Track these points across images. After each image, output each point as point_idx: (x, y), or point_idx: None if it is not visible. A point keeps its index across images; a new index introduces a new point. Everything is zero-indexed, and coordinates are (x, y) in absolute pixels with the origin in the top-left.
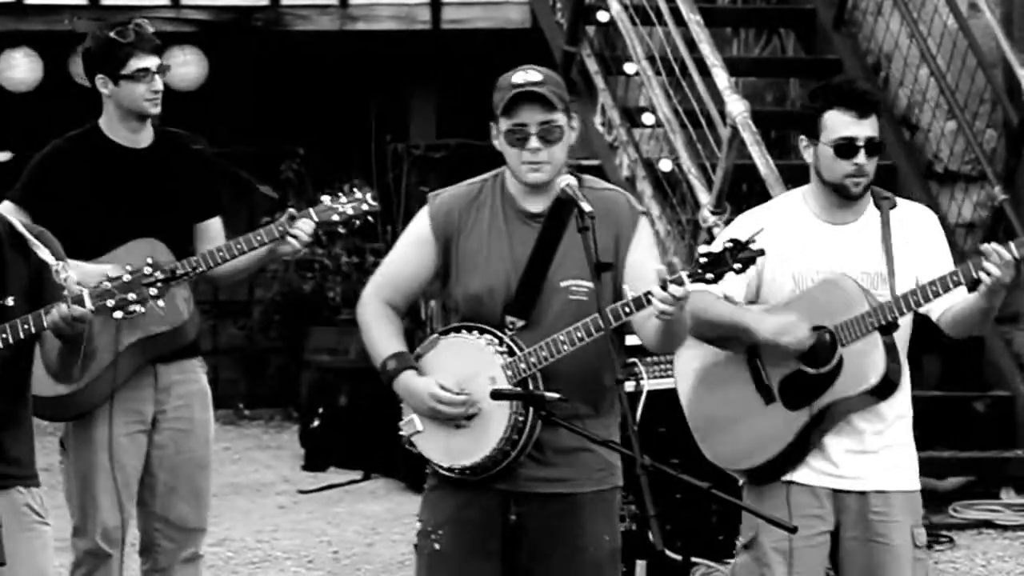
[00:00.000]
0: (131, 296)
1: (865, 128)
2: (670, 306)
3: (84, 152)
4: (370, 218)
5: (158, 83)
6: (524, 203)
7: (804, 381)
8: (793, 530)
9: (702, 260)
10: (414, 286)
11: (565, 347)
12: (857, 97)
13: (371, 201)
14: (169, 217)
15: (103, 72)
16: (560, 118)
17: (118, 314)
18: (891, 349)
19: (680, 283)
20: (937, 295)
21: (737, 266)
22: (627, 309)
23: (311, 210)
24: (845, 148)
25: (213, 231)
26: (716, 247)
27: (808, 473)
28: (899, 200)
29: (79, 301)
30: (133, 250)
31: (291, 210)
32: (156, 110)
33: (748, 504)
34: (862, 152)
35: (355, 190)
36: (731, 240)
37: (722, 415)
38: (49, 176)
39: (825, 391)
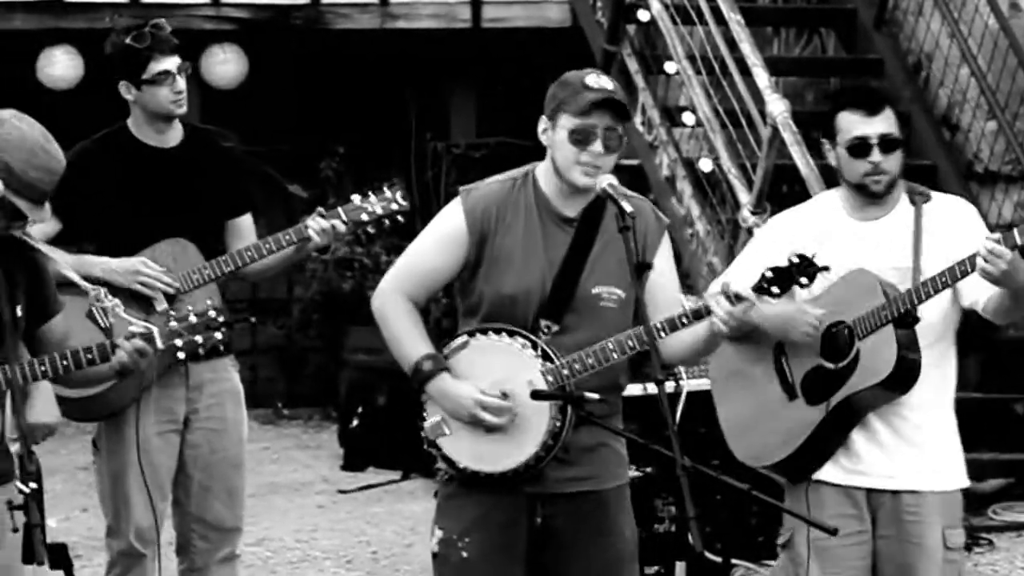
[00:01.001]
0: (199, 339)
1: (877, 125)
2: (734, 319)
3: (113, 153)
4: (400, 217)
5: (180, 83)
6: (559, 206)
7: (824, 376)
8: (834, 532)
9: (768, 275)
10: (439, 281)
11: (615, 355)
12: (865, 95)
13: (400, 200)
14: (199, 215)
15: (124, 78)
16: (621, 128)
17: (181, 355)
18: (908, 342)
19: (742, 299)
20: (947, 285)
21: (803, 280)
22: (684, 320)
23: (340, 209)
24: (858, 147)
25: (244, 228)
26: (782, 262)
27: (839, 473)
28: (935, 194)
29: (150, 340)
30: (164, 250)
31: (320, 209)
32: (181, 110)
33: (788, 505)
34: (875, 150)
35: (385, 189)
36: (797, 255)
37: (749, 414)
38: (77, 178)
39: (842, 386)
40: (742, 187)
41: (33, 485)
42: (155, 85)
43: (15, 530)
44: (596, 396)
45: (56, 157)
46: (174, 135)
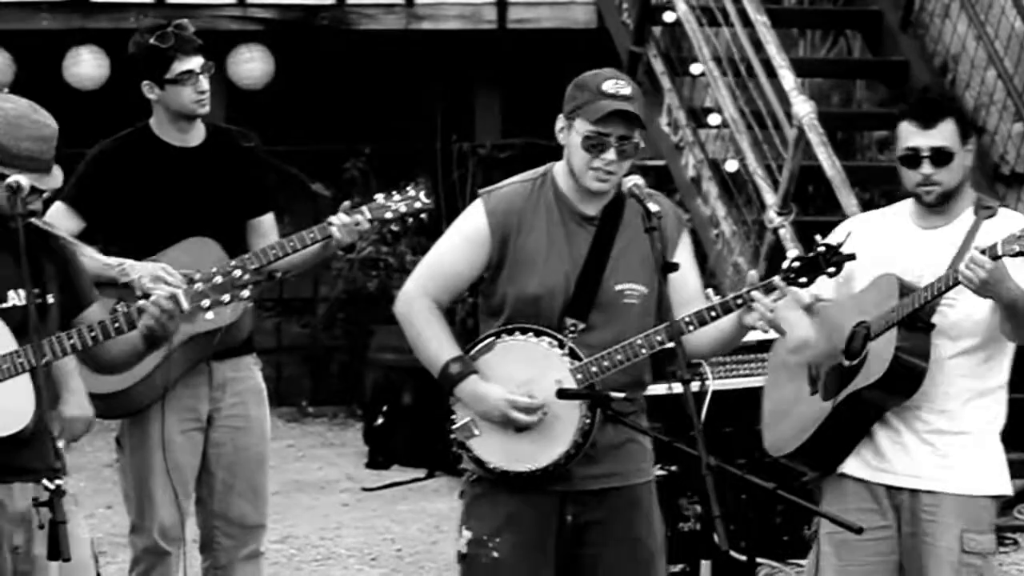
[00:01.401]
0: (225, 297)
1: (931, 138)
2: (769, 312)
3: (135, 152)
4: (424, 216)
5: (203, 83)
6: (579, 205)
7: (840, 373)
8: (859, 531)
9: (795, 264)
10: (463, 283)
11: (643, 351)
12: (923, 107)
13: (424, 199)
14: (221, 214)
15: (148, 78)
16: (638, 135)
17: (210, 314)
18: (914, 347)
19: (773, 288)
20: (940, 292)
21: (831, 270)
22: (713, 313)
23: (364, 207)
24: (910, 159)
25: (265, 227)
26: (808, 251)
27: (863, 468)
28: (1003, 211)
29: (175, 302)
30: (187, 249)
31: (346, 203)
32: (204, 110)
33: (812, 504)
34: (926, 163)
35: (409, 188)
36: (823, 244)
37: (780, 407)
38: (100, 177)
39: (850, 382)
40: (768, 188)
41: (59, 481)
42: (178, 85)
43: (41, 526)
44: (622, 395)
45: (45, 123)
46: (196, 135)
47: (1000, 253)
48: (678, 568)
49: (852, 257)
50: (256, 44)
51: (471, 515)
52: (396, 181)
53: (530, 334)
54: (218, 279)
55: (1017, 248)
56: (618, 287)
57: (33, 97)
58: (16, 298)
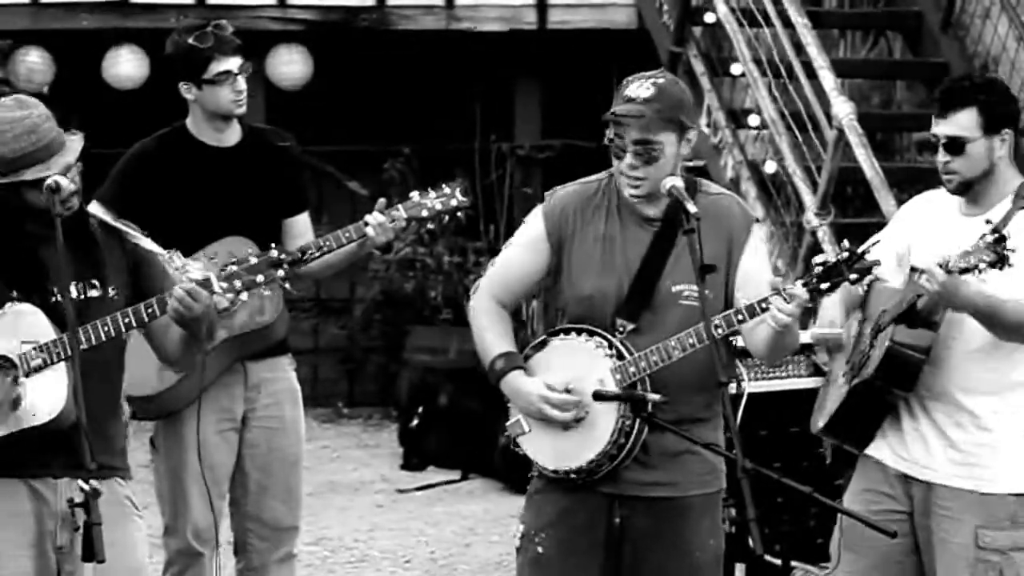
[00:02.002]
0: (259, 278)
1: (944, 126)
2: (787, 316)
3: (171, 152)
4: (461, 214)
5: (241, 84)
6: (640, 206)
7: (862, 359)
8: (893, 535)
9: (817, 269)
10: (525, 285)
11: (676, 352)
12: (942, 94)
13: (460, 196)
14: (256, 214)
15: (186, 78)
16: (660, 139)
17: (244, 295)
18: (913, 343)
19: (794, 295)
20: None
21: (853, 276)
22: (740, 316)
23: (400, 206)
24: (927, 145)
25: (300, 227)
26: (831, 256)
27: (887, 453)
28: None
29: (207, 284)
30: (223, 248)
31: (381, 201)
32: (241, 110)
33: (848, 508)
34: (941, 150)
35: (444, 186)
36: (847, 250)
37: (827, 384)
38: (136, 176)
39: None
40: (807, 189)
41: (94, 483)
42: (216, 85)
43: (76, 528)
44: (657, 397)
45: (23, 116)
46: (232, 134)
47: (950, 268)
48: None
49: (876, 263)
50: (296, 45)
51: (527, 509)
52: (435, 182)
53: (582, 334)
54: (252, 259)
55: (963, 265)
56: (676, 288)
57: (72, 97)
58: (73, 291)
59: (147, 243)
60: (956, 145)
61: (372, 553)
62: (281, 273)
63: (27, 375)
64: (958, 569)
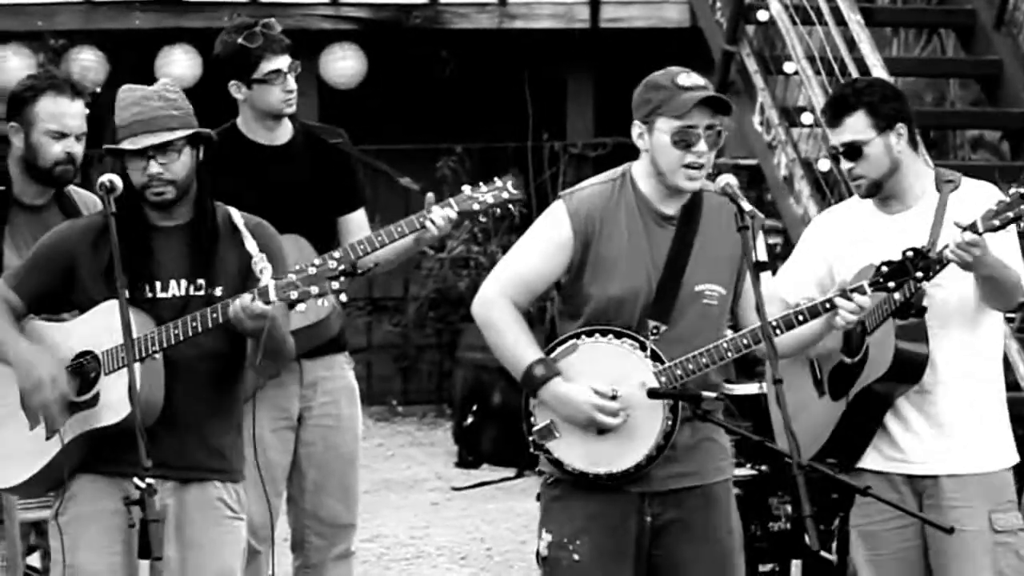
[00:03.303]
0: (314, 289)
1: (838, 135)
2: (855, 316)
3: (223, 151)
4: (514, 211)
5: (291, 83)
6: (659, 205)
7: (844, 371)
8: (949, 531)
9: (883, 269)
10: (544, 285)
11: (729, 354)
12: (829, 106)
13: (512, 189)
14: (311, 212)
15: (236, 78)
16: (722, 122)
17: (301, 307)
18: (912, 333)
19: (863, 292)
20: (933, 270)
21: (919, 274)
22: (800, 317)
23: (452, 200)
24: (835, 158)
25: (355, 224)
26: (896, 256)
27: (880, 460)
28: (965, 181)
29: (264, 293)
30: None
31: (430, 195)
32: (291, 109)
33: (903, 504)
34: (843, 159)
35: (496, 180)
36: (911, 249)
37: (792, 410)
38: None
39: (856, 379)
40: None
41: (150, 480)
42: (266, 84)
43: (131, 525)
44: (713, 394)
45: (140, 88)
46: (284, 133)
47: (981, 230)
48: (768, 568)
49: (941, 261)
50: (349, 43)
51: (550, 518)
52: (487, 179)
53: (611, 336)
54: (311, 269)
55: (996, 223)
56: (698, 287)
57: None
58: (176, 288)
59: (250, 244)
60: (854, 150)
61: (427, 550)
62: (335, 286)
63: (107, 374)
64: (976, 556)
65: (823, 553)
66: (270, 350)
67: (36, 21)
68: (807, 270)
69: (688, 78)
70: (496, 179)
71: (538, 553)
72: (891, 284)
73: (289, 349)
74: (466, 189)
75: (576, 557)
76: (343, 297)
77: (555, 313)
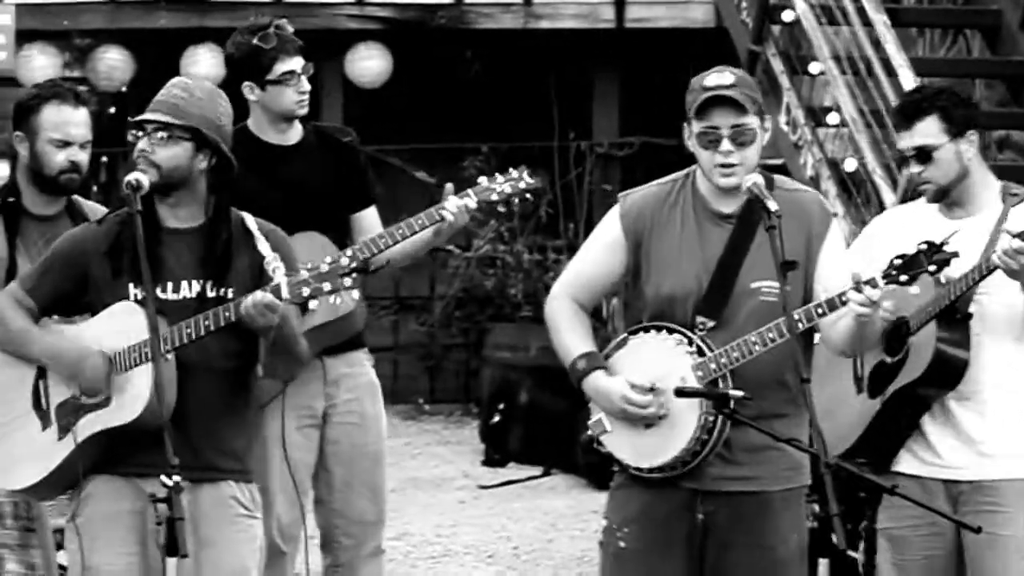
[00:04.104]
0: (326, 286)
1: (909, 139)
2: (867, 308)
3: (236, 151)
4: (528, 195)
5: (304, 84)
6: (716, 204)
7: (884, 370)
8: (977, 530)
9: (896, 262)
10: (603, 285)
11: (757, 348)
12: (901, 109)
13: (528, 179)
14: (323, 210)
15: (249, 79)
16: (752, 121)
17: (313, 303)
18: (954, 339)
19: (874, 285)
20: (976, 281)
21: (932, 268)
22: (820, 310)
23: (470, 190)
24: (904, 160)
25: (368, 221)
26: (910, 249)
27: (916, 464)
28: None
29: (276, 291)
30: (298, 244)
31: (448, 186)
32: (304, 111)
33: (931, 504)
34: (913, 162)
35: (511, 170)
36: (925, 242)
37: (827, 407)
38: None
39: (894, 379)
40: (887, 187)
41: (177, 478)
42: (280, 85)
43: (159, 523)
44: (740, 393)
45: (174, 81)
46: (294, 133)
47: None
48: None
49: (955, 255)
50: (374, 43)
51: (610, 504)
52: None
53: (662, 331)
54: (323, 267)
55: None
56: (754, 285)
57: (151, 96)
58: (187, 290)
59: (263, 245)
60: (924, 154)
61: (454, 548)
62: (348, 282)
63: (119, 373)
64: (1011, 561)
65: (850, 552)
66: (280, 348)
67: (62, 20)
68: (865, 262)
69: (715, 78)
70: (512, 170)
71: (599, 539)
72: (904, 277)
73: (301, 350)
74: (483, 180)
75: (622, 544)
76: (355, 294)
77: (626, 316)
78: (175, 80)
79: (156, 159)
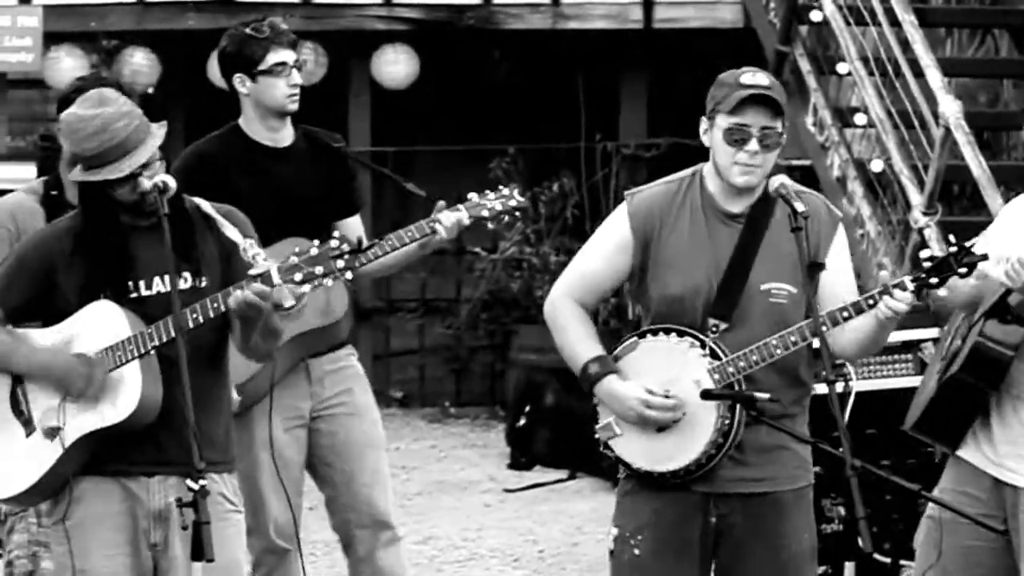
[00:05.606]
0: (319, 270)
1: None
2: (896, 311)
3: (228, 152)
4: (517, 213)
5: (296, 77)
6: (725, 203)
7: (951, 355)
8: (1004, 532)
9: (926, 264)
10: (609, 286)
11: (778, 351)
12: None
13: (518, 197)
14: (310, 215)
15: (241, 70)
16: (780, 126)
17: (306, 287)
18: (999, 337)
19: (904, 288)
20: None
21: (962, 270)
22: (845, 314)
23: (461, 206)
24: None
25: (351, 229)
26: (939, 251)
27: (977, 455)
28: None
29: (267, 278)
30: (281, 250)
31: (441, 202)
32: (294, 107)
33: (956, 506)
34: None
35: (502, 188)
36: (955, 244)
37: (924, 381)
38: (192, 177)
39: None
40: (914, 188)
41: (203, 481)
42: (271, 76)
43: (184, 527)
44: (766, 395)
45: (92, 115)
46: (286, 135)
47: None
48: (821, 570)
49: (984, 257)
50: (401, 44)
51: (619, 512)
52: (540, 180)
53: (672, 334)
54: (313, 251)
55: None
56: (764, 286)
57: (178, 97)
58: (161, 284)
59: (231, 231)
60: None
61: (480, 552)
62: (341, 264)
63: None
64: None
65: (876, 555)
66: (262, 327)
67: (89, 22)
68: (999, 248)
69: (752, 77)
70: (502, 187)
71: (608, 548)
72: (933, 280)
73: (277, 323)
74: (473, 196)
75: (637, 552)
76: (348, 276)
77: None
78: (98, 123)
79: (163, 182)
